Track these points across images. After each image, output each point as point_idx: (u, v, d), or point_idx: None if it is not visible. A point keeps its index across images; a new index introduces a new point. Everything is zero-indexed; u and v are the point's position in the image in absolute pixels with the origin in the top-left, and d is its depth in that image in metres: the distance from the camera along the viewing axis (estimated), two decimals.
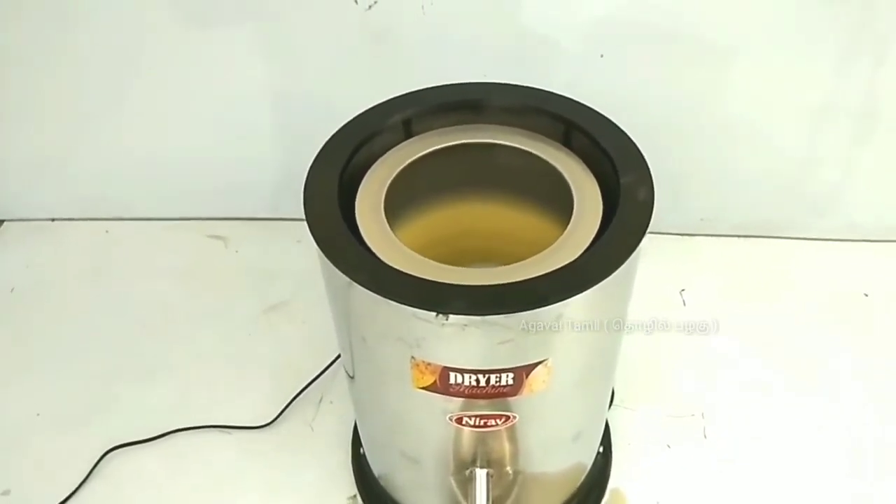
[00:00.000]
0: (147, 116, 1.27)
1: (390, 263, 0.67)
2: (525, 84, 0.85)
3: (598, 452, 0.97)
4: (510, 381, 0.68)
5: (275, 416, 1.08)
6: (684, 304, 1.23)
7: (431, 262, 0.69)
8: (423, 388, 0.70)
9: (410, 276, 0.65)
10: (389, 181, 0.76)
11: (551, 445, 0.83)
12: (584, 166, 0.78)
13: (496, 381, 0.68)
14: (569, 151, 0.80)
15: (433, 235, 0.87)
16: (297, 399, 1.10)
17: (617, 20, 1.09)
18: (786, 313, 1.22)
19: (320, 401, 1.11)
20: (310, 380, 1.10)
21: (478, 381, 0.68)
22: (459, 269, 0.68)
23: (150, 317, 1.23)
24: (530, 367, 0.68)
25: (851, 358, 1.15)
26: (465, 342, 0.65)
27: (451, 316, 0.62)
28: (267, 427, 1.08)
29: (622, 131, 0.78)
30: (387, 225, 0.72)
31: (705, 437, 1.06)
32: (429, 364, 0.68)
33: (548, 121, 0.81)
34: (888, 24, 1.07)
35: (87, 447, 1.05)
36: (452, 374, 0.68)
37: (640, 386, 1.10)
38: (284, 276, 1.28)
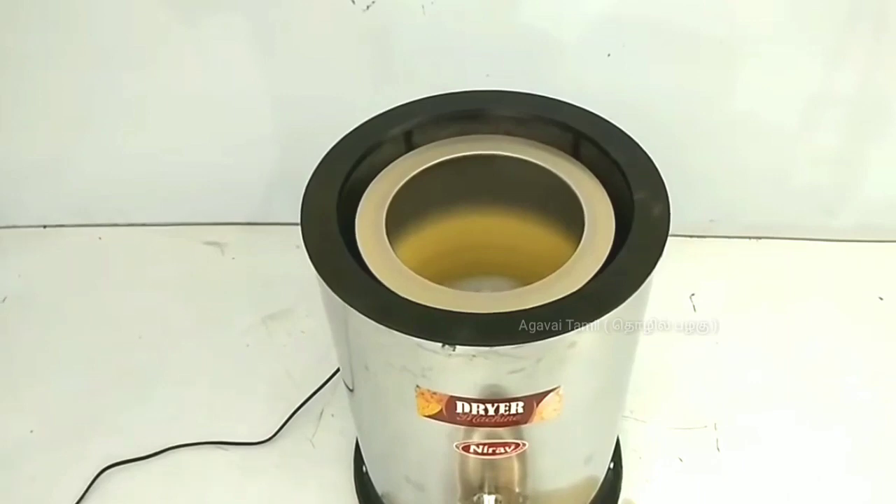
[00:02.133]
0: (140, 120, 1.23)
1: (393, 289, 0.64)
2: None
3: (609, 468, 0.94)
4: (520, 410, 0.65)
5: (274, 431, 1.05)
6: (694, 310, 1.19)
7: (437, 286, 0.65)
8: (428, 416, 0.67)
9: (415, 303, 0.61)
10: (391, 197, 0.73)
11: (562, 469, 0.80)
12: (594, 178, 0.75)
13: (505, 410, 0.65)
14: (578, 162, 0.77)
15: (436, 249, 0.84)
16: (298, 413, 1.06)
17: (623, 18, 1.05)
18: (798, 318, 1.18)
19: (321, 414, 1.08)
20: (310, 393, 1.07)
21: (486, 410, 0.65)
22: (467, 294, 0.65)
23: (145, 327, 1.19)
24: (541, 396, 0.65)
25: (869, 364, 1.12)
26: (473, 372, 0.62)
27: (458, 346, 0.59)
28: (266, 443, 1.04)
29: (634, 142, 0.75)
30: (388, 246, 0.69)
31: (718, 449, 1.03)
32: (434, 393, 0.65)
33: (556, 131, 0.78)
34: None
35: (82, 465, 1.02)
36: (459, 404, 0.65)
37: (650, 396, 1.07)
38: (283, 283, 1.24)
